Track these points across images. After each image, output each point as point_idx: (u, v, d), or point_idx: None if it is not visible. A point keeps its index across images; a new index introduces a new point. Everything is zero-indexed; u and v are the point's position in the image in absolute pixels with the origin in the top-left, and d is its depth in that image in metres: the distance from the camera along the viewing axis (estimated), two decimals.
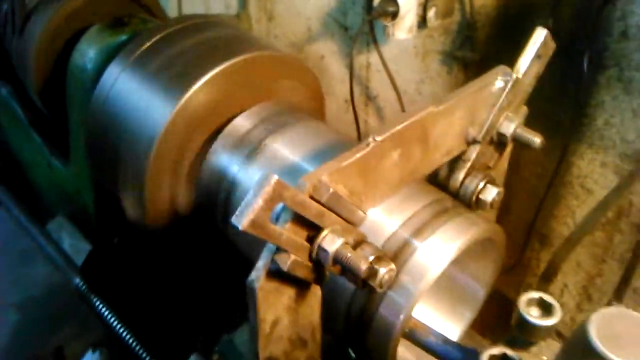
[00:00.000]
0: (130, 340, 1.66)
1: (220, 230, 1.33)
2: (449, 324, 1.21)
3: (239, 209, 0.74)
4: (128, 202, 1.38)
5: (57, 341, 3.30)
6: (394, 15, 1.86)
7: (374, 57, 2.24)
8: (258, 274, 0.84)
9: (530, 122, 1.88)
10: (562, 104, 1.79)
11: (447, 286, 1.22)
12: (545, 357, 0.83)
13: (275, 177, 0.74)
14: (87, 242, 1.72)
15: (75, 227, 1.75)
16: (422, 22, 1.94)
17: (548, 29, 1.73)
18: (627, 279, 1.89)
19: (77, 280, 1.78)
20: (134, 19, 1.59)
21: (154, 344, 1.62)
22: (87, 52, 1.53)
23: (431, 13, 1.92)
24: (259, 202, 0.73)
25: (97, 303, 1.75)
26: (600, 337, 0.65)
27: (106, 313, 1.73)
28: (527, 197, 2.00)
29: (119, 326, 1.69)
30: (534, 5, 1.77)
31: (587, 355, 0.65)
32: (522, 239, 2.03)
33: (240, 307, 1.43)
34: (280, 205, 0.81)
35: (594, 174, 1.84)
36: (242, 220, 0.73)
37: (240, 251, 1.31)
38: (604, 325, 0.66)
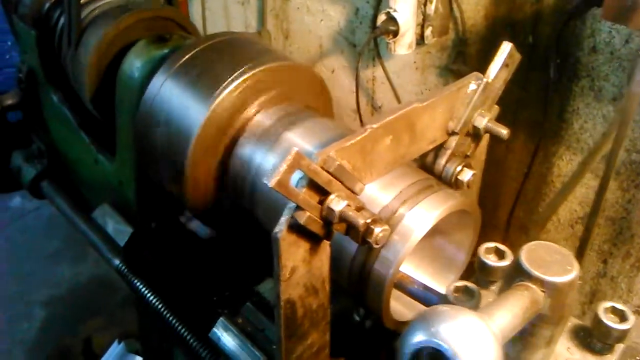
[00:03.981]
0: (165, 312, 1.84)
1: (248, 210, 1.57)
2: (437, 284, 1.43)
3: (269, 172, 1.00)
4: (171, 188, 1.63)
5: (85, 333, 3.53)
6: (395, 33, 2.08)
7: (379, 71, 2.47)
8: (281, 227, 1.09)
9: (516, 127, 2.10)
10: (544, 111, 2.03)
11: (435, 253, 1.46)
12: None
13: (296, 149, 1.00)
14: (129, 226, 1.93)
15: (119, 213, 1.99)
16: (421, 39, 2.15)
17: (528, 44, 1.98)
18: (604, 268, 2.11)
19: (117, 261, 1.98)
20: (174, 35, 1.84)
21: (185, 314, 1.84)
22: (135, 63, 1.77)
23: (428, 31, 2.14)
24: (284, 166, 0.99)
25: (135, 281, 1.96)
26: (528, 261, 0.90)
27: (143, 289, 1.94)
28: (515, 195, 2.22)
29: (155, 301, 1.87)
30: (517, 24, 1.99)
31: (520, 274, 0.90)
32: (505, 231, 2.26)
33: (261, 270, 1.67)
34: (299, 175, 1.07)
35: (572, 173, 2.07)
36: (271, 180, 0.99)
37: (263, 227, 1.55)
38: (532, 252, 0.91)
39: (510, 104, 2.07)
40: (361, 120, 2.41)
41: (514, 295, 0.86)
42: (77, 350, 3.42)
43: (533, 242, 0.93)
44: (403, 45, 2.15)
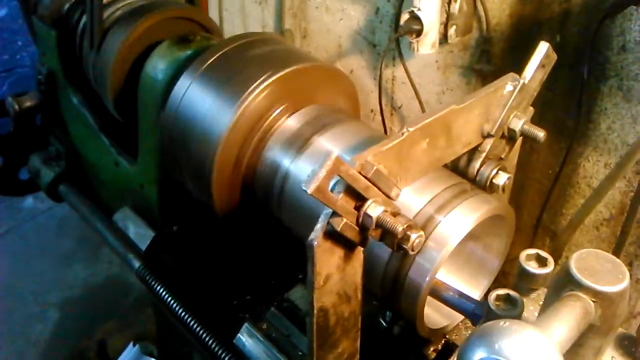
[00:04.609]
0: (187, 319, 1.79)
1: (275, 216, 1.54)
2: (469, 290, 1.41)
3: (307, 177, 0.97)
4: (197, 193, 1.60)
5: (99, 335, 3.52)
6: (419, 32, 2.04)
7: (399, 71, 2.43)
8: (316, 234, 1.06)
9: (542, 127, 2.07)
10: (570, 111, 1.99)
11: (467, 258, 1.43)
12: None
13: (336, 154, 0.97)
14: (150, 229, 1.91)
15: (139, 216, 1.96)
16: (444, 38, 2.11)
17: (555, 44, 1.94)
18: (629, 270, 2.07)
19: (138, 265, 1.94)
20: (197, 36, 1.81)
21: (205, 318, 1.81)
22: (158, 65, 1.75)
23: (452, 30, 2.10)
24: (323, 172, 0.96)
25: (156, 286, 1.93)
26: (579, 269, 0.87)
27: (164, 294, 1.91)
28: (539, 196, 2.18)
29: (176, 306, 1.82)
30: (543, 23, 1.95)
31: (569, 283, 0.87)
32: (533, 234, 2.22)
33: (286, 275, 1.64)
34: (335, 180, 1.04)
35: (598, 174, 2.02)
36: (310, 186, 0.96)
37: (291, 233, 1.53)
38: (581, 261, 0.88)
39: (536, 104, 2.04)
40: (383, 122, 2.37)
41: (567, 305, 0.83)
42: (91, 353, 3.41)
43: (583, 250, 0.90)
44: (426, 45, 2.12)
